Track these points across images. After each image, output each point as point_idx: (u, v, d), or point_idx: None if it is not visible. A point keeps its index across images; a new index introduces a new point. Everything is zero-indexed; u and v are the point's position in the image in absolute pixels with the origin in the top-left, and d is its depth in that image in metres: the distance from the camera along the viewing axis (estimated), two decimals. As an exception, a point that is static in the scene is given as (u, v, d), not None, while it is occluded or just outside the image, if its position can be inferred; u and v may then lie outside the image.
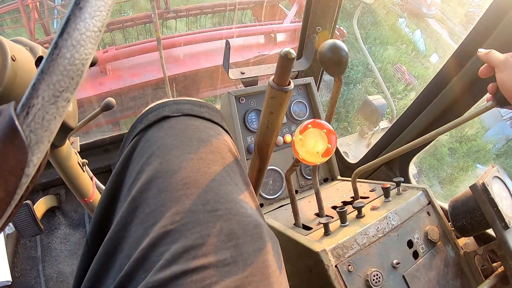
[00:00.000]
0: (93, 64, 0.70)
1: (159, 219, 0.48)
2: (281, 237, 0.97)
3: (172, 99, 0.71)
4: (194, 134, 0.61)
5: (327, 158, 0.70)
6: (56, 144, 0.78)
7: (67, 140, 0.84)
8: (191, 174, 0.53)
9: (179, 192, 0.51)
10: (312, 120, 0.69)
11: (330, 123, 0.79)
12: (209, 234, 0.47)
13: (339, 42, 0.72)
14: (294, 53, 0.56)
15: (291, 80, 0.62)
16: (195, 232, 0.46)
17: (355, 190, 1.04)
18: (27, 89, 0.27)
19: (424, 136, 0.86)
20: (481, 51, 0.79)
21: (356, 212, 0.95)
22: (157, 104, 0.68)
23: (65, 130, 0.74)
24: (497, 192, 0.91)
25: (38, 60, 0.65)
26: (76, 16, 0.30)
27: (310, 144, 0.68)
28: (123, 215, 0.52)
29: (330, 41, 0.72)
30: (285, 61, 0.58)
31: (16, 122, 0.26)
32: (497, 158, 8.55)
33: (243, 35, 4.54)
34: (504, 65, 0.73)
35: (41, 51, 0.66)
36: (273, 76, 0.62)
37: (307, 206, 1.18)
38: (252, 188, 0.63)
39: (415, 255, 0.89)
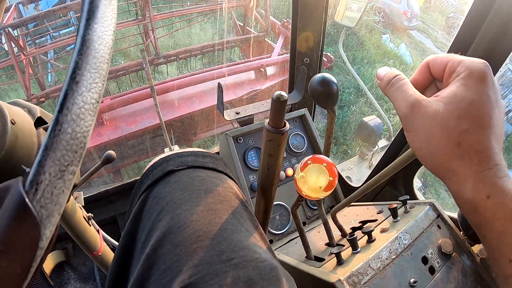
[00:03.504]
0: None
1: (177, 275, 0.49)
2: (295, 272, 0.96)
3: (175, 152, 0.73)
4: (200, 186, 0.63)
5: (330, 192, 0.70)
6: None
7: (71, 196, 0.85)
8: (203, 226, 0.54)
9: (193, 246, 0.52)
10: (311, 156, 0.71)
11: (328, 156, 0.80)
12: (228, 284, 0.47)
13: (327, 76, 0.74)
14: (285, 96, 0.57)
15: (286, 122, 0.64)
16: (214, 283, 0.47)
17: (340, 228, 1.03)
18: (33, 165, 0.28)
19: (406, 153, 0.84)
20: (380, 74, 0.55)
21: (366, 237, 0.95)
22: (161, 158, 0.70)
23: None
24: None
25: (37, 121, 0.66)
26: (74, 90, 0.31)
27: (312, 180, 0.69)
28: (139, 273, 0.53)
29: (319, 75, 0.74)
30: (277, 104, 0.59)
31: (27, 200, 0.26)
32: None
33: (234, 73, 4.61)
34: (410, 121, 0.49)
35: (39, 111, 0.68)
36: (268, 120, 0.64)
37: (316, 236, 1.17)
38: (261, 229, 0.64)
39: (432, 270, 0.87)
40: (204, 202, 0.59)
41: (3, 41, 4.10)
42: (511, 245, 0.40)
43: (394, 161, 0.75)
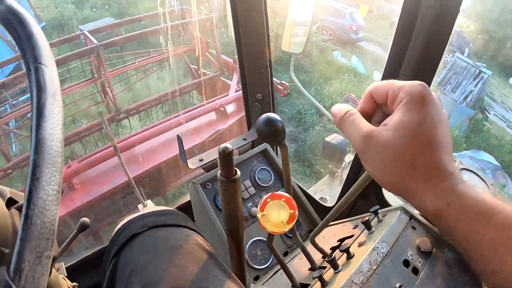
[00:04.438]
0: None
1: None
2: (284, 302, 0.97)
3: (137, 215, 0.75)
4: (163, 244, 0.65)
5: (293, 223, 0.73)
6: None
7: (53, 269, 0.84)
8: (172, 282, 0.57)
9: None
10: (269, 194, 0.74)
11: (290, 190, 0.84)
12: None
13: (271, 115, 0.78)
14: (230, 147, 0.61)
15: (236, 169, 0.67)
16: None
17: (321, 250, 1.05)
18: (14, 256, 0.32)
19: (362, 176, 0.84)
20: (334, 111, 0.58)
21: (345, 254, 0.97)
22: (124, 224, 0.73)
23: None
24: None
25: (8, 202, 0.66)
26: (36, 187, 0.35)
27: (274, 216, 0.71)
28: None
29: (263, 116, 0.77)
30: (224, 156, 0.62)
31: (13, 286, 0.31)
32: (467, 140, 8.82)
33: (195, 117, 4.65)
34: (365, 152, 0.52)
35: (9, 192, 0.67)
36: (219, 171, 0.67)
37: (300, 263, 1.18)
38: (232, 273, 0.66)
39: (415, 271, 0.86)
40: (168, 259, 0.62)
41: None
42: (478, 241, 0.44)
43: (363, 174, 0.79)
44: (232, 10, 1.42)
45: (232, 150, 0.62)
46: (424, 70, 1.07)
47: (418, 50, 1.06)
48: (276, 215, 0.71)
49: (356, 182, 0.77)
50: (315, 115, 7.77)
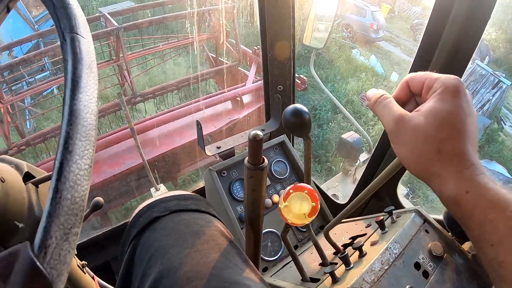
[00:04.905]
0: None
1: None
2: (293, 295, 0.96)
3: (158, 198, 0.75)
4: (186, 229, 0.65)
5: (314, 217, 0.73)
6: None
7: None
8: (192, 267, 0.56)
9: (185, 287, 0.54)
10: (292, 185, 0.73)
11: (309, 182, 0.83)
12: None
13: (299, 106, 0.77)
14: (261, 134, 0.61)
15: (264, 157, 0.67)
16: None
17: (334, 245, 1.05)
18: (39, 231, 0.30)
19: (392, 163, 0.82)
20: (369, 95, 0.61)
21: (357, 252, 0.96)
22: (145, 206, 0.72)
23: None
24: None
25: (25, 177, 0.66)
26: (68, 159, 0.33)
27: (296, 208, 0.71)
28: None
29: (291, 107, 0.77)
30: (254, 143, 0.62)
31: (38, 263, 0.29)
32: (480, 149, 8.69)
33: (211, 105, 4.63)
34: (396, 134, 0.54)
35: (26, 166, 0.67)
36: (247, 158, 0.67)
37: (310, 258, 1.19)
38: (251, 263, 0.66)
39: (425, 274, 0.88)
40: (190, 244, 0.61)
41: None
42: (491, 230, 0.45)
43: (381, 173, 0.78)
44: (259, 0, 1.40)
45: (262, 137, 0.61)
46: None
47: (445, 54, 1.05)
48: (298, 206, 0.71)
49: (385, 170, 0.77)
50: (330, 111, 7.73)
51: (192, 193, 0.79)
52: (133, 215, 0.73)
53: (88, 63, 0.39)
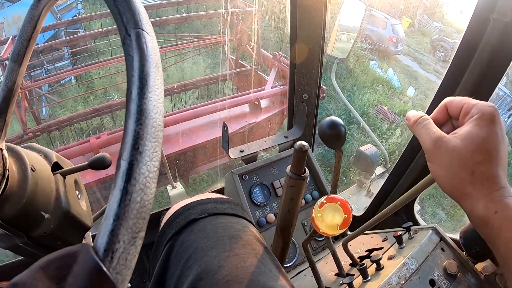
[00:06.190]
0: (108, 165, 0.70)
1: None
2: (309, 303, 0.97)
3: (195, 199, 0.76)
4: (223, 232, 0.66)
5: (345, 229, 0.74)
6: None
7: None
8: (231, 271, 0.57)
9: None
10: (326, 196, 0.74)
11: (336, 192, 0.84)
12: None
13: (336, 119, 0.79)
14: (306, 145, 0.62)
15: (306, 168, 0.68)
16: None
17: (351, 256, 1.05)
18: (104, 234, 0.29)
19: (424, 180, 0.84)
20: (409, 116, 0.64)
21: (375, 265, 0.97)
22: (182, 207, 0.73)
23: (83, 231, 0.72)
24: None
25: (54, 167, 0.65)
26: (139, 161, 0.32)
27: (329, 218, 0.72)
28: None
29: (328, 119, 0.78)
30: (299, 153, 0.64)
31: (104, 268, 0.28)
32: None
33: (229, 107, 4.62)
34: (433, 154, 0.57)
35: (55, 156, 0.67)
36: (289, 167, 0.68)
37: (325, 267, 1.19)
38: (283, 270, 0.67)
39: None
40: (229, 248, 0.62)
41: (0, 73, 4.09)
42: None
43: (411, 189, 0.80)
44: (292, 6, 1.41)
45: (308, 148, 0.62)
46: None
47: (474, 77, 1.06)
48: (331, 217, 0.72)
49: (415, 186, 0.79)
50: (345, 121, 7.63)
51: (227, 197, 0.80)
52: (168, 215, 0.74)
53: (155, 62, 0.38)
